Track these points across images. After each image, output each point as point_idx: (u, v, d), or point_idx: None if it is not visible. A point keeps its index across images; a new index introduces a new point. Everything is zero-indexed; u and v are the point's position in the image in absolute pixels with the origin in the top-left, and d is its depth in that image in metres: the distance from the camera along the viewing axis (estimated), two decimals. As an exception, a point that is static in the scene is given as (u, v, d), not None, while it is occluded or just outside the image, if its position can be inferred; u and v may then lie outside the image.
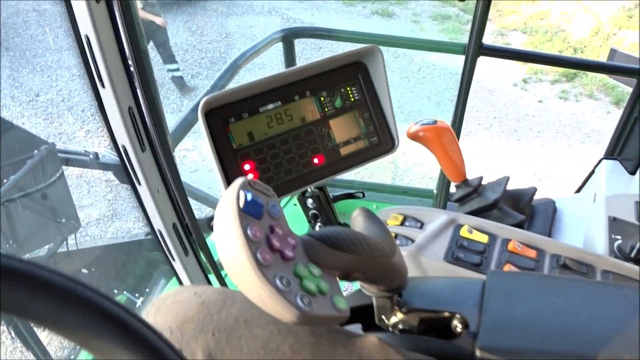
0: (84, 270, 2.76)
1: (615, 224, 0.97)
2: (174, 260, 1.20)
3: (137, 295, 2.70)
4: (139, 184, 1.07)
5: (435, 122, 1.01)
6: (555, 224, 1.12)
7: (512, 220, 1.01)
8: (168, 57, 5.82)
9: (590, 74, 5.73)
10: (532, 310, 0.55)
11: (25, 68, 6.68)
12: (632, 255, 0.87)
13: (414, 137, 1.02)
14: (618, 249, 0.90)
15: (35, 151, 2.59)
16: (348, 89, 0.89)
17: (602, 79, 5.49)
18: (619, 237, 0.93)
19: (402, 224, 0.94)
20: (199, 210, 2.56)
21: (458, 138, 2.00)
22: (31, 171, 2.50)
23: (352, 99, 0.90)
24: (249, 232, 0.41)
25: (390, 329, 0.61)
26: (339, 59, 0.87)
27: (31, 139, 2.82)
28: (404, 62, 6.16)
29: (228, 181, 0.79)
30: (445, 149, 1.02)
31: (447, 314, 0.58)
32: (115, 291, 2.81)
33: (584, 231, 1.05)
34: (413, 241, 0.88)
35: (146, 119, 1.03)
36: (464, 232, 0.89)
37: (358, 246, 0.50)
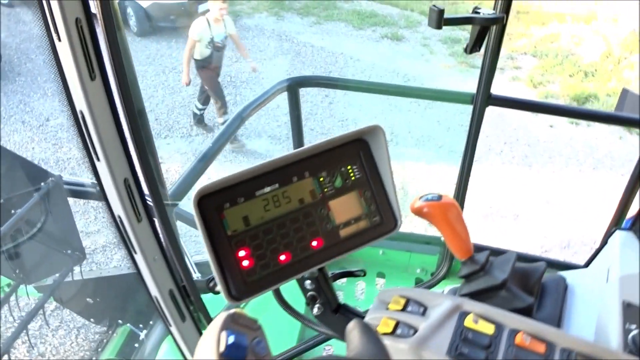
0: (89, 300, 2.76)
1: (629, 311, 0.92)
2: (170, 325, 1.17)
3: (140, 326, 2.68)
4: (135, 252, 1.05)
5: (440, 197, 0.98)
6: (566, 304, 1.07)
7: (521, 303, 0.97)
8: (206, 98, 5.93)
9: (602, 98, 5.71)
10: None
11: (37, 93, 6.80)
12: (649, 352, 0.82)
13: (418, 212, 0.99)
14: (632, 341, 0.86)
15: (42, 184, 2.61)
16: (349, 168, 0.87)
17: (613, 104, 5.48)
18: (633, 326, 0.89)
19: (404, 308, 0.90)
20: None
21: (466, 188, 1.97)
22: (38, 204, 2.52)
23: (353, 178, 0.87)
24: None
25: None
26: (339, 139, 0.85)
27: (38, 172, 2.84)
28: (414, 85, 6.17)
29: (222, 271, 0.77)
30: (451, 225, 0.99)
31: None
32: (120, 321, 2.79)
33: (596, 315, 1.01)
34: (415, 330, 0.84)
35: (143, 189, 1.01)
36: (468, 322, 0.84)
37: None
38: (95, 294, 2.70)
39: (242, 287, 0.78)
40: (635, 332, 0.87)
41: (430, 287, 2.17)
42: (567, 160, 4.62)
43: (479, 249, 1.05)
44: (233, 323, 0.42)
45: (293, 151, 0.82)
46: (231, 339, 0.40)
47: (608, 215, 1.54)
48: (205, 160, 1.93)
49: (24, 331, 2.40)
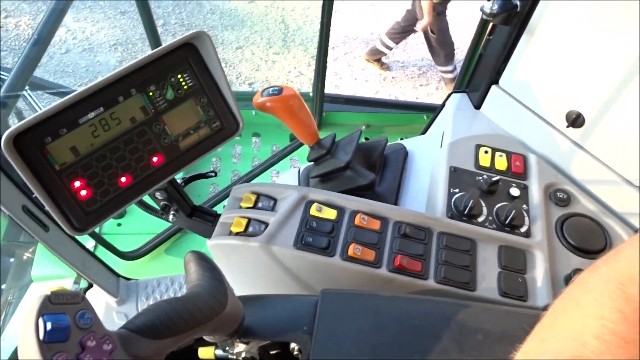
0: None
1: (455, 175, 1.07)
2: (37, 240, 1.13)
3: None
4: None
5: (281, 90, 1.01)
6: (405, 172, 1.21)
7: (363, 180, 1.08)
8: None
9: None
10: (360, 332, 0.63)
11: None
12: (465, 212, 0.98)
13: (261, 107, 1.01)
14: (454, 205, 1.01)
15: None
16: (179, 76, 0.85)
17: None
18: (457, 190, 1.04)
19: (255, 204, 0.96)
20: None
21: (325, 78, 1.98)
22: None
23: (186, 87, 0.86)
24: None
25: (235, 357, 0.67)
26: (163, 49, 0.82)
27: None
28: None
29: (61, 210, 0.76)
30: (294, 116, 1.04)
31: (284, 341, 0.64)
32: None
33: (429, 181, 1.16)
34: (267, 225, 0.92)
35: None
36: (313, 211, 0.94)
37: (182, 324, 0.52)
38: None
39: (84, 218, 0.79)
40: (457, 195, 1.03)
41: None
42: None
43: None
44: (52, 304, 0.44)
45: (115, 70, 0.78)
46: (49, 325, 0.42)
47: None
48: (40, 43, 1.72)
49: None
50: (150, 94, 0.82)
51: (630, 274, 0.48)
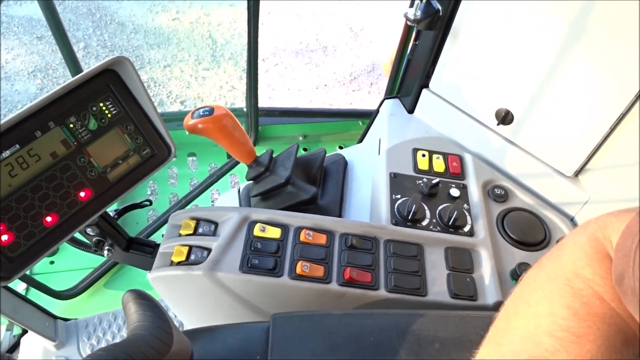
0: None
1: (395, 181, 1.08)
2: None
3: None
4: None
5: (212, 110, 0.98)
6: (347, 182, 1.21)
7: (305, 194, 1.06)
8: None
9: None
10: (316, 354, 0.61)
11: None
12: (409, 217, 0.98)
13: (192, 130, 0.98)
14: (398, 211, 1.01)
15: None
16: (101, 105, 0.81)
17: None
18: (399, 195, 1.04)
19: (195, 231, 0.93)
20: None
21: (257, 91, 1.95)
22: None
23: (110, 115, 0.82)
24: None
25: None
26: (80, 78, 0.77)
27: None
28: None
29: None
30: (228, 135, 1.01)
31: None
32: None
33: (371, 189, 1.16)
34: (209, 251, 0.89)
35: None
36: (256, 231, 0.91)
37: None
38: None
39: (8, 265, 0.72)
40: (399, 201, 1.03)
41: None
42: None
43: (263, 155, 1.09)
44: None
45: (30, 104, 0.72)
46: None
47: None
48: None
49: None
50: (71, 125, 0.77)
51: (575, 268, 0.49)
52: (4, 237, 0.72)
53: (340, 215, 1.13)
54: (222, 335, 0.67)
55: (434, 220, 1.00)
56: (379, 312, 0.70)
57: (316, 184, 1.14)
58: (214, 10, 4.21)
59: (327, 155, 1.22)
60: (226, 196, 1.34)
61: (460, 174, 1.10)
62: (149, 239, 1.15)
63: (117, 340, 1.31)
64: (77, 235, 0.87)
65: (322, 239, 0.92)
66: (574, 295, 0.47)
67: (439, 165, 1.11)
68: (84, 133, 0.79)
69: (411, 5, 1.13)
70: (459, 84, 1.17)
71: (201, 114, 0.97)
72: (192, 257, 0.89)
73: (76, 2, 4.01)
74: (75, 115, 0.77)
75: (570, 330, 0.45)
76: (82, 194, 0.79)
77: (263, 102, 3.47)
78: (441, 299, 0.87)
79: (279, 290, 0.86)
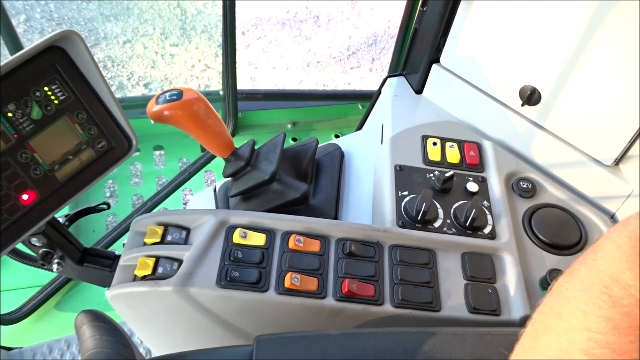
0: None
1: (401, 175, 1.08)
2: None
3: None
4: None
5: (180, 94, 0.98)
6: (344, 178, 1.21)
7: (294, 193, 1.07)
8: None
9: None
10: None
11: None
12: (418, 217, 0.99)
13: (157, 118, 0.98)
14: (405, 211, 1.02)
15: None
16: (46, 89, 0.81)
17: None
18: (406, 192, 1.05)
19: (162, 238, 0.93)
20: None
21: (236, 70, 1.96)
22: None
23: (57, 102, 0.82)
24: None
25: None
26: (19, 57, 0.77)
27: None
28: None
29: None
30: (201, 124, 1.01)
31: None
32: None
33: (372, 185, 1.16)
34: (180, 262, 0.89)
35: None
36: (236, 238, 0.91)
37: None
38: None
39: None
40: (407, 199, 1.03)
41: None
42: None
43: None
44: None
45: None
46: None
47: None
48: None
49: None
50: (10, 114, 0.77)
51: (614, 273, 0.49)
52: None
53: (336, 217, 1.13)
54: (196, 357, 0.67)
55: (448, 221, 1.01)
56: (383, 332, 0.71)
57: (307, 180, 1.14)
58: (183, -27, 4.20)
59: (320, 145, 1.23)
60: (200, 197, 1.34)
61: (479, 165, 1.10)
62: (108, 249, 1.15)
63: (72, 371, 1.31)
64: (20, 246, 0.87)
65: (315, 246, 0.92)
66: (613, 305, 0.47)
67: (453, 155, 1.11)
68: (25, 123, 0.78)
69: (417, -36, 1.14)
70: (475, 57, 1.17)
71: (168, 98, 0.97)
72: (160, 270, 0.89)
73: (15, -34, 3.99)
74: (14, 103, 0.77)
75: (610, 346, 0.45)
76: (24, 196, 0.79)
77: (243, 83, 3.48)
78: (457, 314, 0.88)
79: (264, 307, 0.87)
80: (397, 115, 1.25)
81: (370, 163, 1.20)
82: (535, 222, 1.03)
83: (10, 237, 0.79)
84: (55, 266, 0.94)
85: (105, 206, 0.98)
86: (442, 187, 1.05)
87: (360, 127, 1.43)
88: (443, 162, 1.11)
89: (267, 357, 0.64)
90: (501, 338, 0.67)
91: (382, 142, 1.20)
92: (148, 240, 0.93)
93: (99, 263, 0.99)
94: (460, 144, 1.14)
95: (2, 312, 1.51)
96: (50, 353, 1.37)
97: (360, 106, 2.23)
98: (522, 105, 1.12)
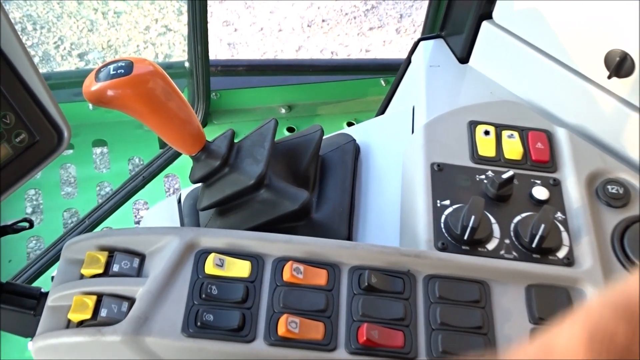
0: None
1: (440, 177, 1.08)
2: None
3: None
4: None
5: (130, 66, 0.98)
6: (359, 182, 1.22)
7: (291, 203, 1.07)
8: None
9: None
10: None
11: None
12: (465, 236, 0.99)
13: (98, 100, 0.98)
14: (446, 227, 1.02)
15: None
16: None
17: None
18: (447, 201, 1.05)
19: (107, 268, 0.94)
20: None
21: (207, 33, 1.97)
22: None
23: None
24: None
25: None
26: None
27: None
28: None
29: None
30: (159, 108, 1.01)
31: None
32: None
33: (399, 189, 1.16)
34: (132, 302, 0.90)
35: None
36: (210, 267, 0.92)
37: None
38: None
39: None
40: (448, 210, 1.04)
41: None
42: None
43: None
44: None
45: None
46: None
47: None
48: None
49: None
50: None
51: None
52: None
53: (349, 237, 1.13)
54: None
55: (507, 241, 1.01)
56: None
57: (308, 185, 1.15)
58: None
59: (326, 137, 1.23)
60: (158, 210, 1.35)
61: (550, 163, 1.11)
62: (31, 285, 1.16)
63: None
64: None
65: (320, 278, 0.93)
66: None
67: (512, 148, 1.12)
68: None
69: None
70: (542, 10, 1.17)
71: (112, 73, 0.97)
72: (104, 312, 0.89)
73: None
74: None
75: None
76: None
77: (218, 52, 3.50)
78: (521, 371, 0.88)
79: (250, 364, 0.87)
80: (433, 94, 1.25)
81: (397, 161, 1.20)
82: (628, 242, 1.03)
83: None
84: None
85: (25, 224, 0.99)
86: (498, 194, 1.05)
87: (382, 112, 1.44)
88: (499, 159, 1.11)
89: None
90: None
91: (412, 132, 1.21)
92: (86, 272, 0.94)
93: (18, 303, 1.00)
94: (523, 132, 1.14)
95: None
96: None
97: (382, 82, 2.24)
98: (609, 77, 1.12)
